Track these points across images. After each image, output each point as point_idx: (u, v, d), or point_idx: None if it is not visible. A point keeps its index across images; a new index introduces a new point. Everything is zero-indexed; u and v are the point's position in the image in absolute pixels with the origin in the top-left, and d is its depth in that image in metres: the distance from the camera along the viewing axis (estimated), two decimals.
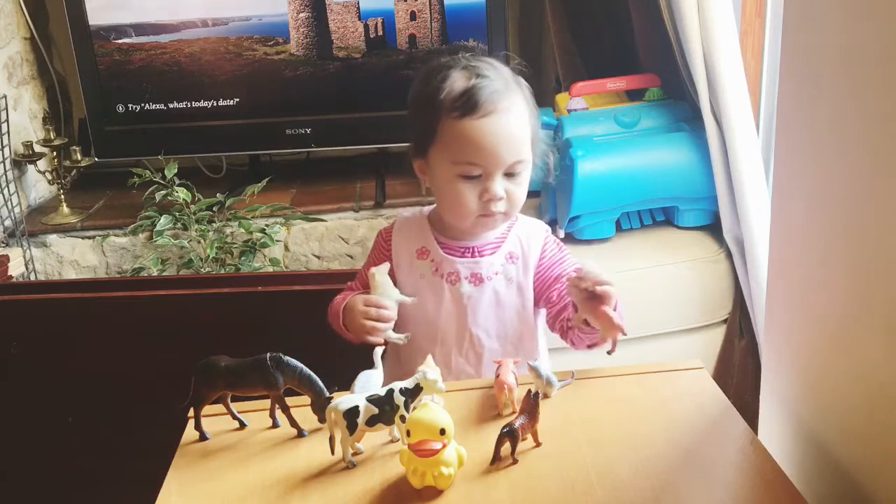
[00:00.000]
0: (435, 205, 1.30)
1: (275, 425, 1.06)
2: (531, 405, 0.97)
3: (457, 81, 1.19)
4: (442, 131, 1.19)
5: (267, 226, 2.22)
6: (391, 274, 1.26)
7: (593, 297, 1.06)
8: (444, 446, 0.89)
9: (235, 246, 2.19)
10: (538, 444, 0.98)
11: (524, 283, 1.26)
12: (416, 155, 1.25)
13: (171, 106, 2.40)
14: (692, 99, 1.92)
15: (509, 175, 1.19)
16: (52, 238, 2.35)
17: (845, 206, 0.95)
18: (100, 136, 2.41)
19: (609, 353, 1.10)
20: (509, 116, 1.18)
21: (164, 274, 2.15)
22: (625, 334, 1.06)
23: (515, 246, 1.26)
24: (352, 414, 0.94)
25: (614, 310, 1.08)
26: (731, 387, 1.91)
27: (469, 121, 1.17)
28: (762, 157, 1.84)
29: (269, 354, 1.02)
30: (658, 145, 1.95)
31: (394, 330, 1.29)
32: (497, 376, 1.06)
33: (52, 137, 2.40)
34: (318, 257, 2.38)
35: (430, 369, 0.97)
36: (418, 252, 1.26)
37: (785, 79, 1.11)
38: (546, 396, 1.08)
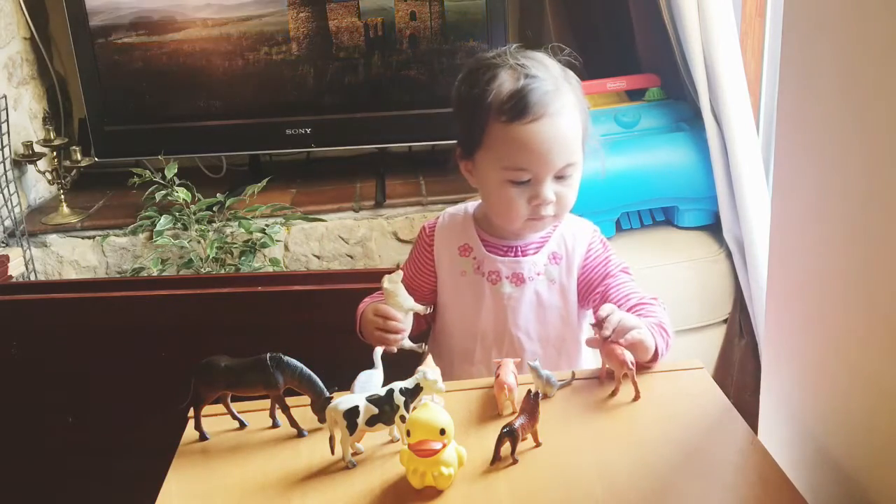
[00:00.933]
0: (480, 202, 1.27)
1: (275, 425, 1.06)
2: (531, 405, 0.96)
3: (505, 82, 1.14)
4: (490, 135, 1.15)
5: (267, 226, 2.22)
6: (414, 276, 1.25)
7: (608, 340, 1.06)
8: (444, 446, 0.89)
9: (235, 246, 2.19)
10: (538, 444, 0.98)
11: (567, 285, 1.23)
12: (463, 156, 1.21)
13: (171, 106, 2.40)
14: (692, 99, 1.92)
15: (559, 178, 1.16)
16: (52, 238, 2.35)
17: (845, 206, 0.95)
18: (100, 136, 2.41)
19: (634, 399, 1.06)
20: (560, 119, 1.13)
21: (164, 274, 2.15)
22: (630, 368, 1.04)
23: (559, 246, 1.23)
24: (352, 414, 0.94)
25: (654, 356, 1.09)
26: (731, 387, 1.91)
27: (518, 125, 1.12)
28: (762, 157, 1.84)
29: (269, 354, 1.01)
30: (658, 145, 1.95)
31: (433, 328, 1.28)
32: (497, 376, 1.06)
33: (52, 137, 2.40)
34: (318, 257, 2.38)
35: (430, 369, 0.97)
36: (461, 249, 1.24)
37: (785, 79, 1.11)
38: (546, 396, 1.07)
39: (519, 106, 1.12)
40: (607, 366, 1.09)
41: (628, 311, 1.15)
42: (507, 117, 1.13)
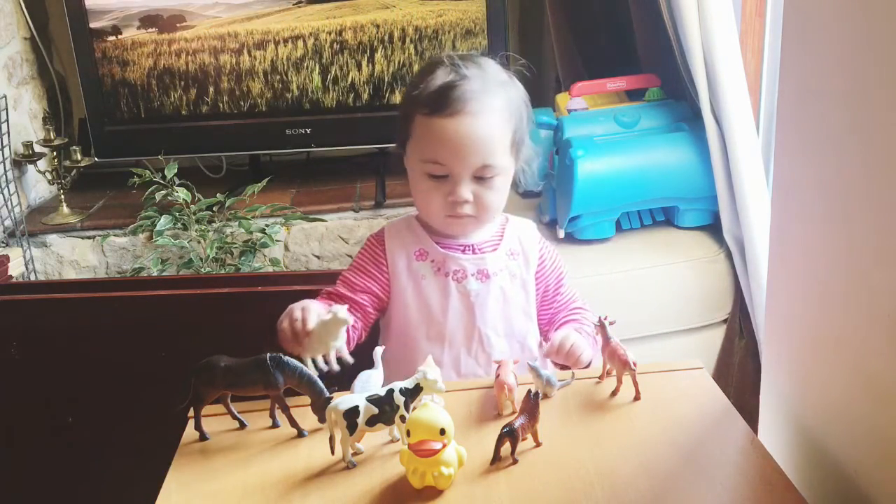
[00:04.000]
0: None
1: (275, 425, 1.06)
2: (531, 405, 0.96)
3: (437, 79, 1.19)
4: (414, 127, 1.20)
5: (267, 226, 2.22)
6: (360, 279, 1.24)
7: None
8: (444, 446, 0.89)
9: (235, 246, 2.19)
10: (538, 444, 0.98)
11: (527, 279, 1.26)
12: (398, 148, 1.26)
13: (171, 106, 2.40)
14: (692, 99, 1.92)
15: (480, 179, 1.18)
16: (52, 238, 2.35)
17: (845, 206, 0.95)
18: (100, 136, 2.41)
19: (634, 399, 1.08)
20: (480, 119, 1.16)
21: (164, 274, 2.15)
22: (633, 369, 1.06)
23: (514, 243, 1.27)
24: (352, 414, 0.94)
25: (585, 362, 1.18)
26: (731, 387, 1.91)
27: (436, 119, 1.17)
28: (762, 157, 1.84)
29: (269, 354, 1.01)
30: (658, 145, 1.95)
31: (393, 337, 1.27)
32: (497, 376, 1.06)
33: (52, 137, 2.40)
34: (318, 257, 2.38)
35: (430, 369, 0.97)
36: (416, 254, 1.24)
37: (785, 79, 1.11)
38: (546, 396, 1.08)
39: (440, 100, 1.17)
40: (608, 366, 1.09)
41: (570, 313, 1.29)
42: (429, 110, 1.17)
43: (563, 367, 1.19)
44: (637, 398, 1.06)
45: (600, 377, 1.11)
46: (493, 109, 1.18)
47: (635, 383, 1.06)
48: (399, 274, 1.24)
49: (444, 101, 1.16)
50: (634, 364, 1.05)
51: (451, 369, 1.24)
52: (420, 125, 1.19)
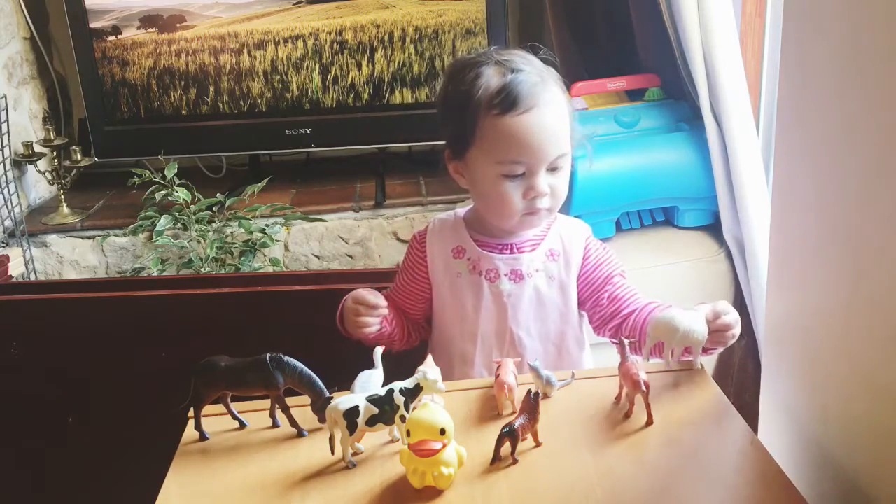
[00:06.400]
0: (471, 205, 1.28)
1: (275, 425, 1.06)
2: (531, 405, 0.96)
3: (492, 78, 1.16)
4: (481, 131, 1.16)
5: (267, 226, 2.22)
6: (408, 284, 1.27)
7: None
8: (444, 446, 0.89)
9: (235, 246, 2.19)
10: (538, 444, 0.98)
11: (567, 282, 1.23)
12: (453, 157, 1.22)
13: (171, 106, 2.40)
14: (692, 99, 1.92)
15: (552, 169, 1.17)
16: (52, 238, 2.35)
17: (845, 206, 0.95)
18: (100, 136, 2.41)
19: (647, 424, 1.02)
20: (549, 109, 1.15)
21: (164, 274, 2.15)
22: (644, 390, 1.00)
23: (556, 243, 1.23)
24: (352, 414, 0.94)
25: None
26: (731, 387, 1.91)
27: (511, 118, 1.14)
28: (762, 157, 1.84)
29: (269, 354, 1.01)
30: (658, 145, 1.95)
31: (434, 333, 1.28)
32: (497, 376, 1.06)
33: (52, 137, 2.40)
34: (318, 257, 2.38)
35: (429, 369, 0.97)
36: (454, 251, 1.24)
37: (785, 78, 1.11)
38: (546, 396, 1.07)
39: (510, 98, 1.14)
40: (624, 388, 1.05)
41: (642, 308, 1.21)
42: (499, 110, 1.14)
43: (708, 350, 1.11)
44: (649, 422, 1.01)
45: (616, 399, 1.07)
46: (556, 97, 1.17)
47: (647, 406, 1.01)
48: (437, 271, 1.25)
49: (515, 98, 1.13)
50: (646, 385, 1.00)
51: (484, 368, 1.23)
52: (490, 127, 1.15)
